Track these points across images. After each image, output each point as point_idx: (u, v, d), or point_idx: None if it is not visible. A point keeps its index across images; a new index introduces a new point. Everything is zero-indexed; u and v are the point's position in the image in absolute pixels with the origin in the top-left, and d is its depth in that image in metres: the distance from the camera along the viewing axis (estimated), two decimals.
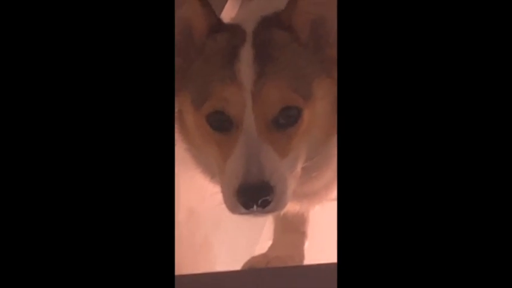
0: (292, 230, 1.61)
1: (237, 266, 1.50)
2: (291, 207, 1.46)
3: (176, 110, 1.40)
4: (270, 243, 1.62)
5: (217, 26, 1.35)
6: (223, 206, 1.28)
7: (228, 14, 1.54)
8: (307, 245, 1.60)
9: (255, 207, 1.23)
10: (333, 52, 1.31)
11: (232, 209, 1.26)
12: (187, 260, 1.72)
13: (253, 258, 1.51)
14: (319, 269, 1.30)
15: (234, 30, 1.35)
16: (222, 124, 1.28)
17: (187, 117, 1.36)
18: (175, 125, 1.42)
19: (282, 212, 1.43)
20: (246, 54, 1.29)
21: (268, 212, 1.26)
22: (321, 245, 1.63)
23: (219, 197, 1.29)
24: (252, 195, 1.23)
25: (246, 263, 1.49)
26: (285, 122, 1.27)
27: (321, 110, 1.31)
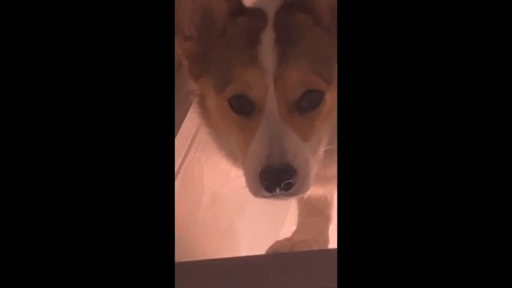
0: (317, 214, 1.60)
1: (261, 250, 1.50)
2: (315, 191, 1.46)
3: (198, 94, 1.41)
4: (294, 227, 1.62)
5: (239, 10, 1.35)
6: (247, 189, 1.28)
7: None
8: (331, 228, 1.60)
9: (278, 190, 1.23)
10: None
11: (255, 193, 1.27)
12: (212, 244, 1.73)
13: (278, 242, 1.51)
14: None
15: (255, 13, 1.35)
16: (244, 108, 1.28)
17: (209, 101, 1.36)
18: (198, 110, 1.43)
19: (305, 196, 1.44)
20: (268, 37, 1.29)
21: (291, 195, 1.26)
22: None
23: (242, 180, 1.29)
24: (275, 178, 1.23)
25: (271, 248, 1.49)
26: (307, 105, 1.27)
27: None
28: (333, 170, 1.38)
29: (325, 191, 1.52)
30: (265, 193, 1.25)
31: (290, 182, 1.23)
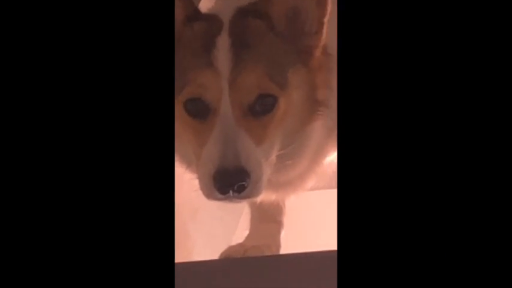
0: (269, 220, 1.62)
1: (214, 255, 1.51)
2: (267, 196, 1.47)
3: None
4: (247, 232, 1.63)
5: (194, 15, 1.36)
6: (200, 193, 1.29)
7: (205, 5, 1.55)
8: (283, 234, 1.62)
9: (231, 192, 1.25)
10: (308, 42, 1.33)
11: (208, 195, 1.27)
12: None
13: (231, 247, 1.52)
14: (298, 258, 1.32)
15: (211, 19, 1.36)
16: (199, 111, 1.29)
17: None
18: None
19: (258, 201, 1.45)
20: (223, 42, 1.30)
21: (244, 197, 1.27)
22: (298, 234, 1.65)
23: (196, 183, 1.30)
24: (228, 180, 1.24)
25: (224, 253, 1.50)
26: (261, 109, 1.29)
27: (297, 99, 1.33)
28: (285, 176, 1.41)
29: (277, 196, 1.53)
30: (218, 195, 1.26)
31: (243, 185, 1.24)
